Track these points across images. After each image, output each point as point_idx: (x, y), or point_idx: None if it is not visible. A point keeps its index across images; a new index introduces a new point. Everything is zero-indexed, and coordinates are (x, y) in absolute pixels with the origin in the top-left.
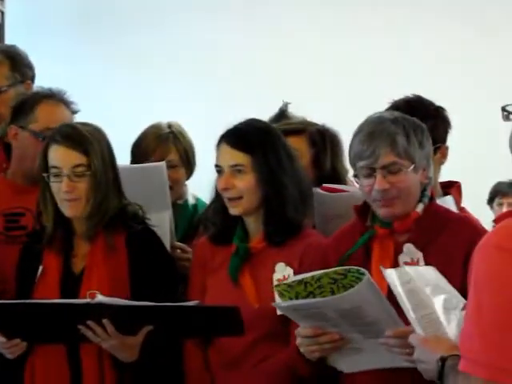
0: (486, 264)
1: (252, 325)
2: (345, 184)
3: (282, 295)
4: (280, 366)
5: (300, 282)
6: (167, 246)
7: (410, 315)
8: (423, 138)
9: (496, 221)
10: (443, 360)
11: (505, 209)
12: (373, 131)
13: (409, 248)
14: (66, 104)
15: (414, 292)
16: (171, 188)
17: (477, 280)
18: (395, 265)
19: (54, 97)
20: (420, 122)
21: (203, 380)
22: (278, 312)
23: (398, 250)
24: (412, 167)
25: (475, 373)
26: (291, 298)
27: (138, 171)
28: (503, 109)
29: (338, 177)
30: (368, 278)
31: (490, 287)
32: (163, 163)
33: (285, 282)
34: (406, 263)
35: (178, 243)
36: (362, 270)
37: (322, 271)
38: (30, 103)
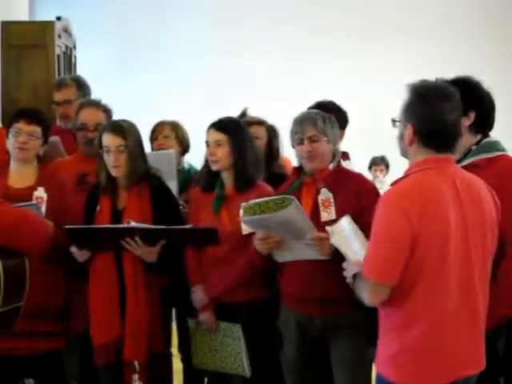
0: (379, 213)
1: (227, 239)
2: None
3: (245, 212)
4: (245, 262)
5: (256, 204)
6: (174, 179)
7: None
8: (333, 124)
9: (391, 184)
10: (355, 275)
11: (378, 173)
12: (303, 117)
13: (324, 190)
14: (100, 107)
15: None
16: None
17: (374, 223)
18: (315, 201)
19: (90, 104)
20: (330, 115)
21: (198, 272)
22: (243, 232)
23: (317, 192)
24: (325, 139)
25: (369, 277)
26: (250, 214)
27: (160, 155)
28: (392, 120)
29: (279, 154)
30: (295, 203)
31: (381, 227)
32: (173, 151)
33: (246, 204)
34: (322, 200)
35: (181, 201)
36: (293, 197)
37: (269, 198)
38: (78, 108)
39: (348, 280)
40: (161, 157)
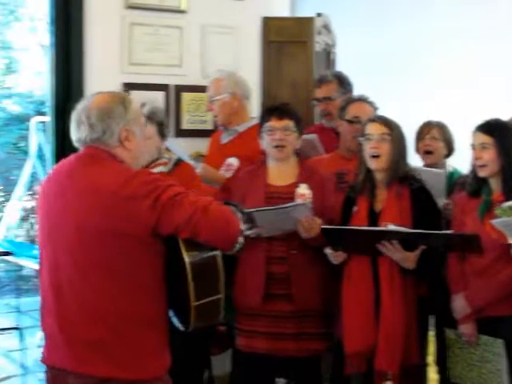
0: None
1: (492, 247)
2: None
3: (500, 215)
4: (510, 274)
5: (510, 206)
6: (442, 197)
7: None
8: None
9: None
10: None
11: None
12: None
13: None
14: (368, 103)
15: None
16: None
17: None
18: None
19: (359, 99)
20: None
21: (460, 281)
22: (509, 241)
23: None
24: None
25: None
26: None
27: (431, 172)
28: None
29: None
30: None
31: None
32: (444, 172)
33: (501, 206)
34: None
35: (447, 201)
36: None
37: None
38: (345, 104)
39: None
40: (431, 174)
